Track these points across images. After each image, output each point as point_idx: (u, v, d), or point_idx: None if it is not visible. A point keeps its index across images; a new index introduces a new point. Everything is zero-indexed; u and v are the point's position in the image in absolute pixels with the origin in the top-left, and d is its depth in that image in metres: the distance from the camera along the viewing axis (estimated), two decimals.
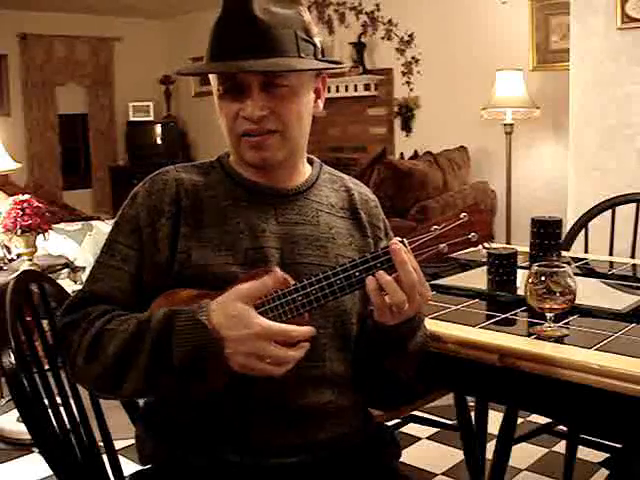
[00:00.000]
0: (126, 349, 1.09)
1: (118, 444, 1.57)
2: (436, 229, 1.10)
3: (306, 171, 1.32)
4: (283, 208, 1.25)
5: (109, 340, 1.10)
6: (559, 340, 1.33)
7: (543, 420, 2.42)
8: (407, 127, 5.77)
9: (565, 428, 2.23)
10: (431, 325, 1.38)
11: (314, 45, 1.22)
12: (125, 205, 1.26)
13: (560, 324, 1.39)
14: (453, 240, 1.10)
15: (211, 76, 1.23)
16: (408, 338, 1.20)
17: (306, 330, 1.04)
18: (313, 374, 1.19)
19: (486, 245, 1.14)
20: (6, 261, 3.18)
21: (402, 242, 1.09)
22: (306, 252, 1.23)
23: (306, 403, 1.18)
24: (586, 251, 2.32)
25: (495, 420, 2.10)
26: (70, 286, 3.25)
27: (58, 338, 1.21)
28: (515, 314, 1.51)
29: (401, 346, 1.20)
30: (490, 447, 2.08)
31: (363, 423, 1.30)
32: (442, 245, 1.10)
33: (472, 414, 2.12)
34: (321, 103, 1.28)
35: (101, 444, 1.39)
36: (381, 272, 1.08)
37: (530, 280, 1.35)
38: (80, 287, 1.24)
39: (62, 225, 3.91)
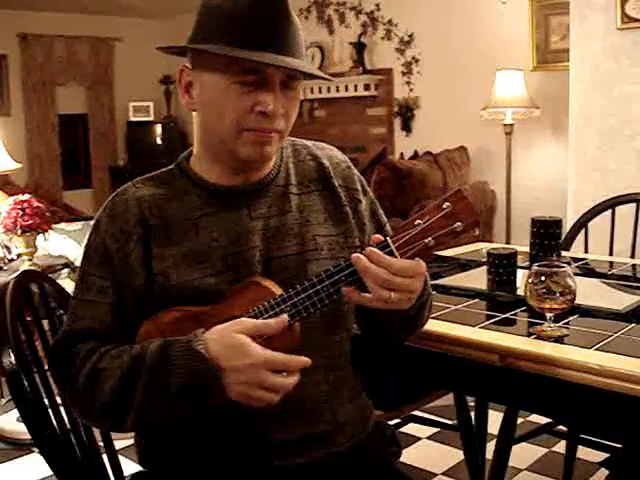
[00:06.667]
0: (122, 388, 1.07)
1: (118, 444, 1.57)
2: (420, 223, 1.06)
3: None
4: (254, 204, 1.22)
5: (104, 380, 1.09)
6: (559, 340, 1.33)
7: (543, 420, 2.42)
8: (407, 127, 5.77)
9: (565, 428, 2.23)
10: (431, 325, 1.38)
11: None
12: (90, 234, 1.22)
13: (560, 324, 1.39)
14: (438, 232, 1.05)
15: (219, 65, 1.13)
16: (418, 317, 1.25)
17: (305, 361, 1.05)
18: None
19: (474, 233, 1.09)
20: (6, 261, 3.17)
21: (385, 241, 1.07)
22: (284, 244, 1.20)
23: (303, 394, 1.15)
24: (586, 251, 2.32)
25: (495, 420, 2.10)
26: (70, 286, 3.23)
27: (52, 374, 1.21)
28: (515, 314, 1.51)
29: (413, 324, 1.27)
30: (490, 447, 2.08)
31: (363, 422, 1.29)
32: (428, 239, 1.05)
33: (472, 414, 2.12)
34: None
35: (101, 444, 1.39)
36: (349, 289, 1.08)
37: (530, 280, 1.35)
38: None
39: (62, 225, 3.91)
